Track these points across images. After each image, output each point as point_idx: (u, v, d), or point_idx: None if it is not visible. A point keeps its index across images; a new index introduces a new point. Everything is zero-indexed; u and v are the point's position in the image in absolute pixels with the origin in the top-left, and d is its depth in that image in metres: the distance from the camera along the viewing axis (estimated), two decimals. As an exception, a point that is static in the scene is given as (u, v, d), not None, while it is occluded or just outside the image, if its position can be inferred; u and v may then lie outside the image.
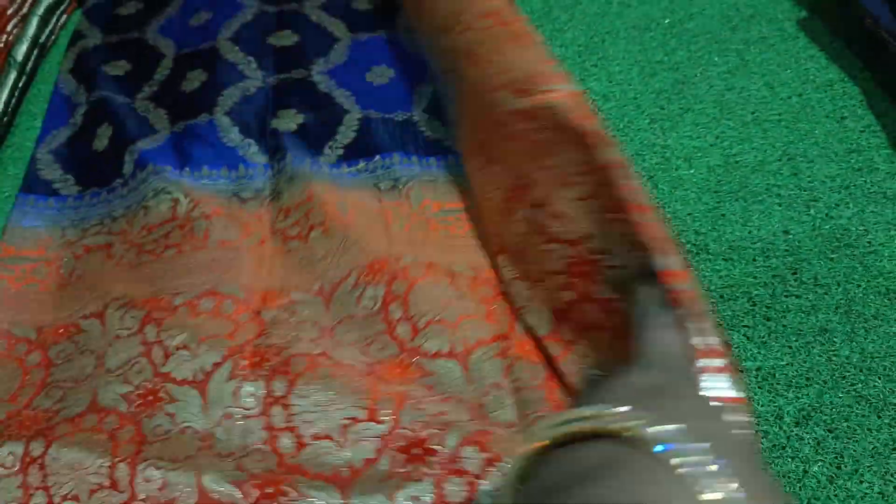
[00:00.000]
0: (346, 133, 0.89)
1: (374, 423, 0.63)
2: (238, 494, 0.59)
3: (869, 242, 0.74)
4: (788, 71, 0.91)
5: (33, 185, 0.88)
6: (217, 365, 0.68)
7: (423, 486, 0.58)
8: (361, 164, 0.86)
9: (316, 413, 0.63)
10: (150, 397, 0.67)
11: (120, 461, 0.62)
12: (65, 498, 0.61)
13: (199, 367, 0.68)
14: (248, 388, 0.66)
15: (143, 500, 0.60)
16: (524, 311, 0.69)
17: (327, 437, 0.62)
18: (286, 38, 1.01)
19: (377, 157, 0.86)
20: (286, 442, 0.63)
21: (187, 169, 0.84)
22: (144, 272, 0.76)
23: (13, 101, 0.97)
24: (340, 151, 0.87)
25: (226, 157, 0.86)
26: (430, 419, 0.62)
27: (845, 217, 0.76)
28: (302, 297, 0.74)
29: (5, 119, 0.95)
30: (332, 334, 0.70)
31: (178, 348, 0.69)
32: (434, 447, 0.60)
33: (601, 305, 0.63)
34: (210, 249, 0.77)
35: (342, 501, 0.58)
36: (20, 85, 0.99)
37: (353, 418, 0.63)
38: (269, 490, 0.59)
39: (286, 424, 0.64)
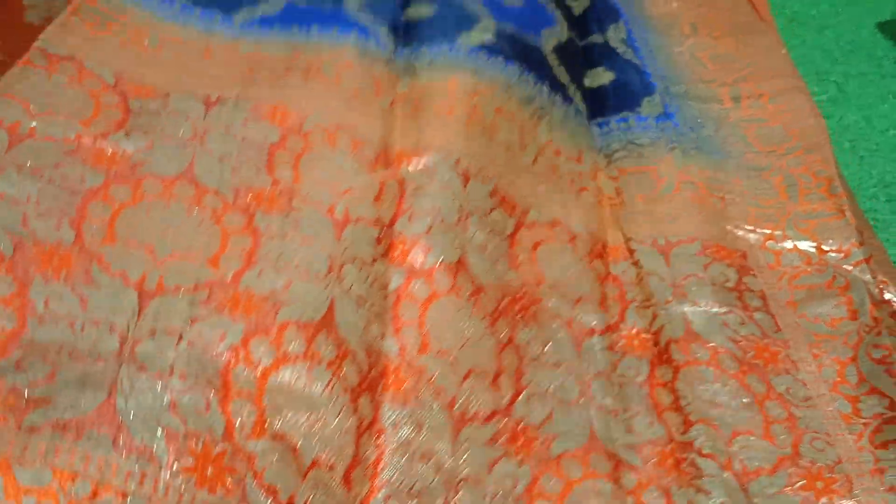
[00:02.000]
0: (484, 33, 0.83)
1: None
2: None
3: (965, 271, 0.78)
4: (885, 105, 0.96)
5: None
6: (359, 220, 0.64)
7: None
8: (500, 59, 0.81)
9: None
10: (265, 196, 0.63)
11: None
12: None
13: (328, 203, 0.65)
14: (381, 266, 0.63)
15: None
16: (659, 307, 0.70)
17: None
18: None
19: (515, 64, 0.81)
20: None
21: (315, 26, 0.81)
22: (258, 80, 0.72)
23: None
24: (477, 42, 0.82)
25: (356, 27, 0.81)
26: None
27: (942, 244, 0.80)
28: (439, 160, 0.69)
29: None
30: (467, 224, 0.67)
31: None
32: None
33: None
34: (343, 91, 0.73)
35: None
36: None
37: None
38: None
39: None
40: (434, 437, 0.56)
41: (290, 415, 0.52)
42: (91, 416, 0.50)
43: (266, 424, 0.51)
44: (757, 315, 0.70)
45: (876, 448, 0.61)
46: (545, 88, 0.82)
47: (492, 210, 0.70)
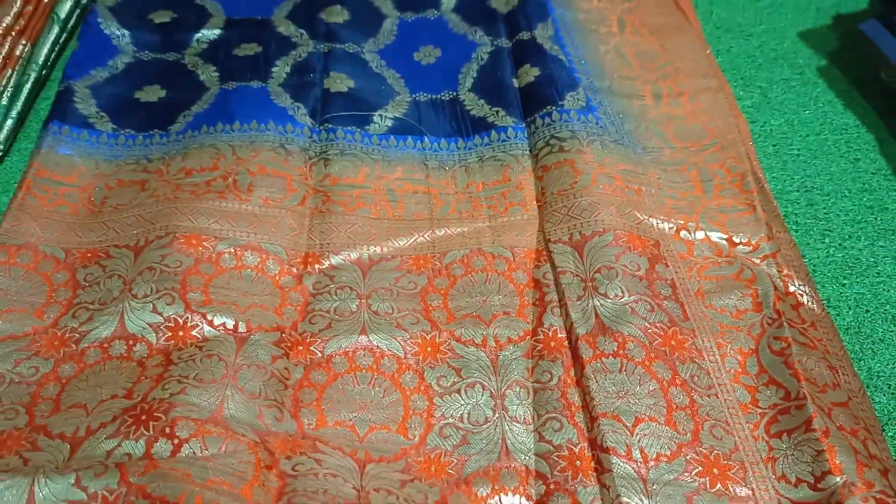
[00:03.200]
0: (397, 109, 0.92)
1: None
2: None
3: (878, 273, 0.79)
4: (807, 112, 0.97)
5: (68, 115, 0.87)
6: (259, 329, 0.69)
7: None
8: (409, 141, 0.88)
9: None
10: (181, 332, 0.67)
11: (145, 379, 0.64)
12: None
13: (240, 322, 0.69)
14: (284, 363, 0.67)
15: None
16: (570, 304, 0.70)
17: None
18: (337, 15, 1.03)
19: (425, 138, 0.89)
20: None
21: (237, 122, 0.85)
22: (183, 207, 0.77)
23: (53, 55, 1.00)
24: (390, 123, 0.90)
25: (274, 114, 0.88)
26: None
27: (857, 248, 0.81)
28: (341, 262, 0.76)
29: (44, 72, 0.97)
30: (368, 304, 0.72)
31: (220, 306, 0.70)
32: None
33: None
34: (253, 205, 0.78)
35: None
36: (61, 41, 1.01)
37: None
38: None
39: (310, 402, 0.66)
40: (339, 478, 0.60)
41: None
42: None
43: None
44: (666, 303, 0.70)
45: (770, 437, 0.61)
46: (458, 141, 0.89)
47: (398, 279, 0.75)
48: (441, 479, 0.61)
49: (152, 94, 0.93)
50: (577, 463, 0.60)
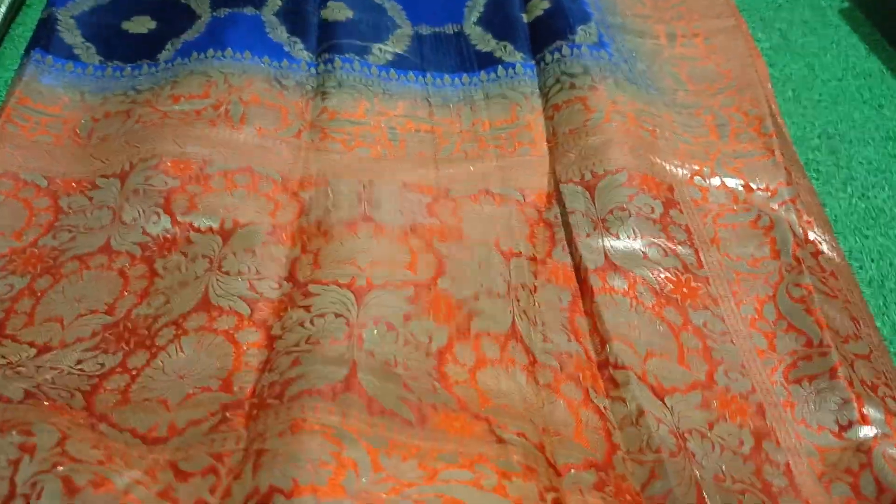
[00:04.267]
0: (397, 44, 0.87)
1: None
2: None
3: (902, 224, 0.76)
4: (829, 56, 0.93)
5: (51, 44, 0.82)
6: (250, 223, 0.66)
7: None
8: (411, 75, 0.84)
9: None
10: (168, 244, 0.64)
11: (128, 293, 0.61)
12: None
13: (227, 220, 0.66)
14: (277, 249, 0.64)
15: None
16: (579, 241, 0.67)
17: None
18: None
19: (428, 74, 0.84)
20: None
21: (229, 49, 0.81)
22: (170, 132, 0.73)
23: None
24: (390, 56, 0.85)
25: (270, 49, 0.83)
26: None
27: (880, 199, 0.78)
28: (337, 184, 0.71)
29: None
30: (372, 217, 0.68)
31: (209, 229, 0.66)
32: None
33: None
34: (245, 134, 0.74)
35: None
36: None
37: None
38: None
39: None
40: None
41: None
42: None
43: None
44: (680, 248, 0.67)
45: (789, 383, 0.59)
46: (463, 77, 0.85)
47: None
48: (451, 322, 0.59)
49: (141, 24, 0.87)
50: (587, 371, 0.59)
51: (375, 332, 0.56)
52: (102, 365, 0.55)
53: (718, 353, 0.60)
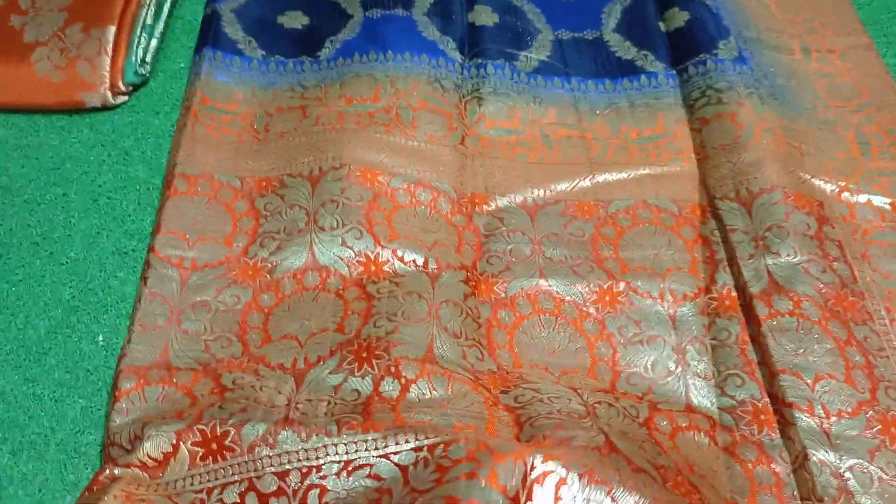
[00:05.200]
0: (541, 50, 0.90)
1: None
2: None
3: None
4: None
5: (220, 41, 0.86)
6: (448, 267, 0.70)
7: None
8: (557, 81, 0.88)
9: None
10: (373, 266, 0.69)
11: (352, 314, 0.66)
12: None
13: (430, 259, 0.70)
14: (474, 302, 0.69)
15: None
16: (742, 263, 0.71)
17: None
18: None
19: (572, 80, 0.88)
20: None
21: (390, 52, 0.84)
22: (352, 137, 0.77)
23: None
24: (536, 63, 0.89)
25: (426, 48, 0.86)
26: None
27: None
28: (507, 204, 0.77)
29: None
30: (542, 249, 0.73)
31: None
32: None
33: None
34: (419, 140, 0.78)
35: None
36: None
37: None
38: None
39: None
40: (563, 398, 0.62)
41: None
42: None
43: None
44: (836, 265, 0.71)
45: None
46: (606, 83, 0.88)
47: (566, 225, 0.76)
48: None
49: (295, 20, 0.91)
50: (762, 417, 0.62)
51: None
52: (358, 392, 0.60)
53: (878, 369, 0.64)
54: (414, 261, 0.70)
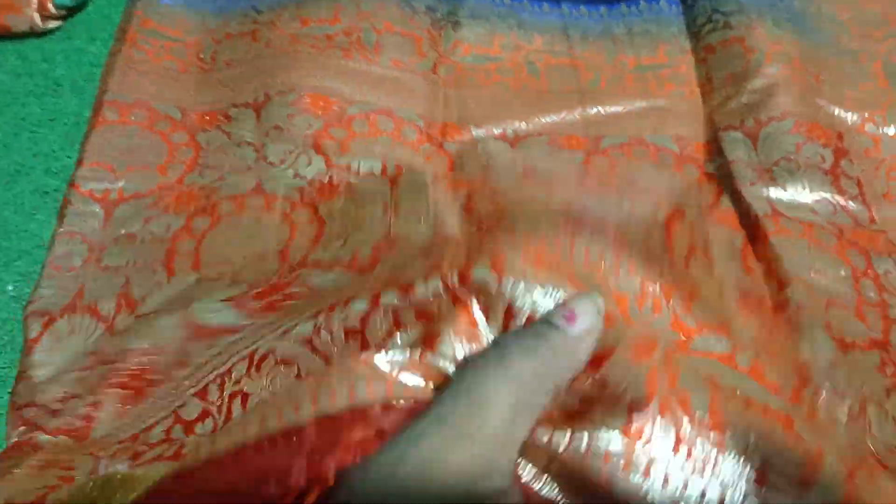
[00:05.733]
0: None
1: None
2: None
3: None
4: None
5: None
6: (412, 170, 0.62)
7: None
8: (546, 7, 0.78)
9: None
10: (329, 190, 0.61)
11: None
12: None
13: (389, 165, 0.62)
14: (446, 195, 0.60)
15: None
16: (743, 190, 0.62)
17: None
18: None
19: (563, 5, 0.78)
20: None
21: None
22: (304, 62, 0.68)
23: None
24: None
25: None
26: None
27: None
28: (483, 135, 0.67)
29: None
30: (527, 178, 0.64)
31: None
32: None
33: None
34: (382, 66, 0.69)
35: None
36: None
37: None
38: None
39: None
40: None
41: None
42: None
43: None
44: (851, 204, 0.61)
45: None
46: (602, 9, 0.78)
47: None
48: None
49: None
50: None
51: None
52: None
53: (894, 309, 0.55)
54: (371, 171, 0.62)
